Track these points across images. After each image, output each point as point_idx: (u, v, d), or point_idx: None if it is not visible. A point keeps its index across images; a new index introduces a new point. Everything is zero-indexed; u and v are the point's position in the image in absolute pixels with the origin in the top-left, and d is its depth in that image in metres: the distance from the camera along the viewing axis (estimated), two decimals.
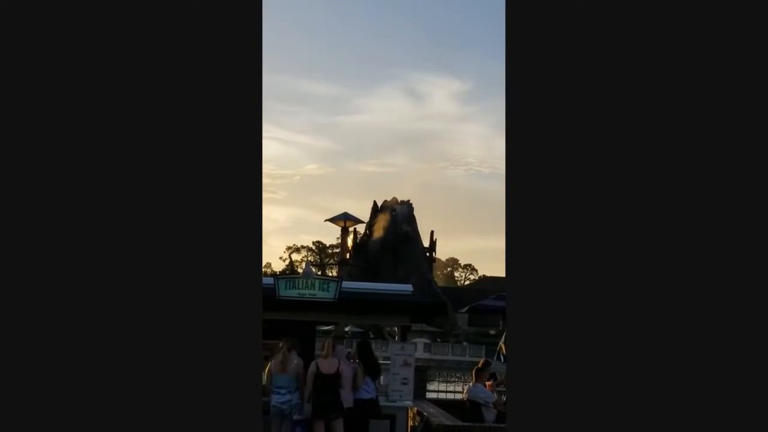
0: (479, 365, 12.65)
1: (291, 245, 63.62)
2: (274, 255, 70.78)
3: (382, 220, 32.28)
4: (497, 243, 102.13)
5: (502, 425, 9.87)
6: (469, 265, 71.34)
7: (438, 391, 16.98)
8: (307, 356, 9.97)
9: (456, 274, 68.14)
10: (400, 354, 10.88)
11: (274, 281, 11.30)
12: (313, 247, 56.26)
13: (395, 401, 10.32)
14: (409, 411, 10.92)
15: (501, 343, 18.27)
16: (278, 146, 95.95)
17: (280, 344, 9.39)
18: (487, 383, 11.30)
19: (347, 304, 11.19)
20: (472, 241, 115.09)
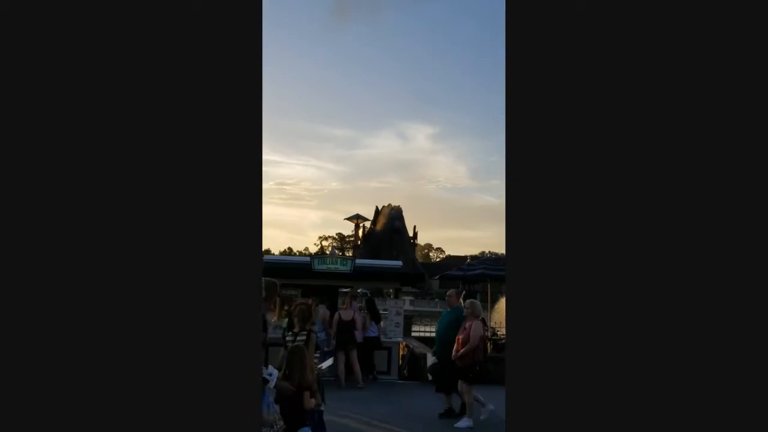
0: None
1: (321, 235, 70.44)
2: (310, 242, 79.00)
3: (382, 219, 34.56)
4: (457, 233, 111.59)
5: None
6: (439, 248, 77.85)
7: (419, 331, 17.73)
8: (333, 308, 10.91)
9: (431, 254, 73.78)
10: (394, 307, 11.83)
11: (311, 259, 12.53)
12: (336, 237, 61.90)
13: (391, 338, 11.18)
14: (400, 344, 11.79)
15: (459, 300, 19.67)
16: (314, 170, 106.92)
17: (309, 301, 9.83)
18: None
19: (359, 274, 12.14)
20: (441, 231, 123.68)
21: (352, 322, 10.03)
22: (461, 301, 7.75)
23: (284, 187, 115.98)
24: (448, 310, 8.04)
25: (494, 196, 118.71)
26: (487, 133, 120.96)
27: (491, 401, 7.18)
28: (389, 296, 12.93)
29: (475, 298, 17.83)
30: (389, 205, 38.31)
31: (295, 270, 12.05)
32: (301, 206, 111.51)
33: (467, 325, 6.90)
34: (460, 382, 6.94)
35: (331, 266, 12.18)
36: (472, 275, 15.42)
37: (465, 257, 46.42)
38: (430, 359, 9.86)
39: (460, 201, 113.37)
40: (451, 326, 7.39)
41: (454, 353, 6.94)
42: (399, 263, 15.17)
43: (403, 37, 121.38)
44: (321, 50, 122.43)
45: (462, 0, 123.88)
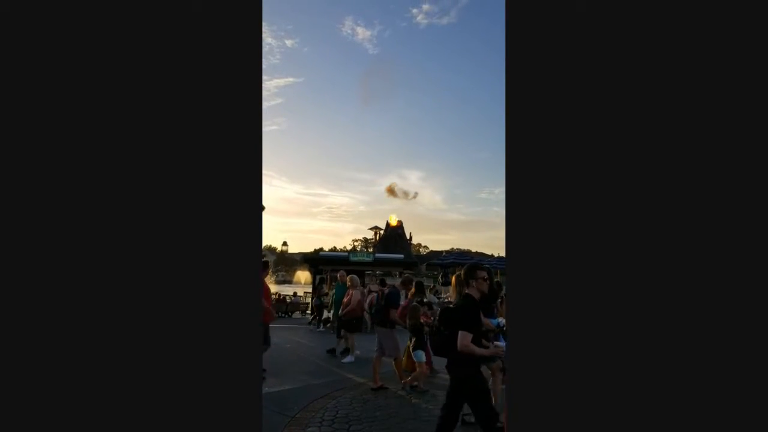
0: (430, 287, 14.89)
1: (354, 239, 77.78)
2: (347, 243, 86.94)
3: (390, 228, 38.36)
4: (435, 236, 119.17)
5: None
6: (425, 246, 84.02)
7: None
8: (363, 285, 12.83)
9: (420, 249, 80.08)
10: (397, 282, 14.28)
11: (348, 254, 14.42)
12: (363, 240, 68.03)
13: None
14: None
15: (439, 277, 21.59)
16: (348, 200, 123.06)
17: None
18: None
19: (377, 263, 13.63)
20: (426, 235, 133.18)
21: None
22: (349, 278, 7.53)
23: (331, 209, 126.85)
24: (340, 284, 8.18)
25: (459, 214, 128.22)
26: (453, 175, 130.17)
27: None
28: (396, 276, 15.14)
29: (448, 278, 19.98)
30: (394, 219, 44.00)
31: (339, 260, 13.79)
32: (342, 221, 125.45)
33: (349, 293, 6.68)
34: (343, 330, 6.83)
35: (360, 258, 14.18)
36: (446, 263, 17.66)
37: (441, 251, 50.70)
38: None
39: (437, 217, 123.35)
40: (341, 295, 7.59)
41: (340, 311, 7.00)
42: (401, 256, 17.17)
43: (404, 114, 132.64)
44: (353, 124, 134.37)
45: (444, 95, 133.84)
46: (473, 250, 60.98)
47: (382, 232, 39.90)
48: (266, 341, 5.24)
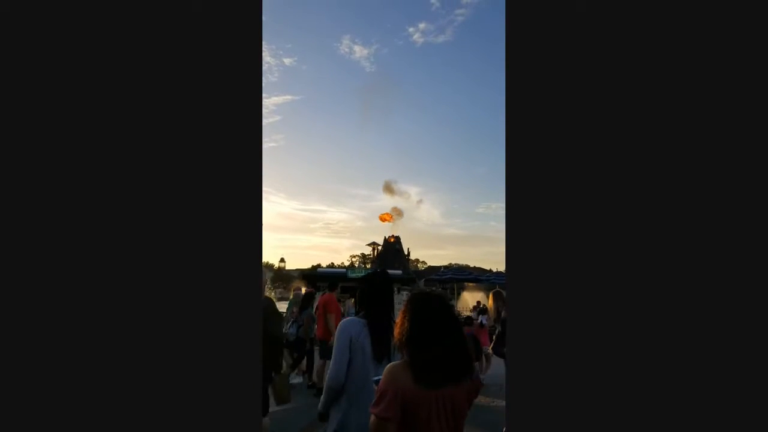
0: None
1: (352, 254, 77.58)
2: (345, 259, 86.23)
3: (387, 243, 38.14)
4: (433, 252, 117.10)
5: None
6: (423, 261, 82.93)
7: None
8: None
9: (418, 265, 78.88)
10: (397, 298, 13.72)
11: (346, 270, 14.38)
12: (360, 256, 67.68)
13: (396, 315, 13.33)
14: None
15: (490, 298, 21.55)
16: (346, 216, 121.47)
17: (347, 297, 11.43)
18: None
19: None
20: (424, 251, 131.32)
21: None
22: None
23: (329, 225, 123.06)
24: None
25: (457, 229, 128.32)
26: (450, 192, 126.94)
27: None
28: (395, 292, 15.13)
29: (446, 293, 19.96)
30: (392, 235, 43.57)
31: (336, 276, 13.80)
32: (339, 237, 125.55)
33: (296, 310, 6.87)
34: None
35: (359, 274, 13.45)
36: (444, 278, 17.98)
37: (439, 267, 50.82)
38: None
39: (435, 232, 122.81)
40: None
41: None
42: (399, 272, 17.43)
43: (401, 130, 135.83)
44: (350, 140, 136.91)
45: (441, 111, 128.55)
46: (471, 265, 60.81)
47: (380, 248, 39.80)
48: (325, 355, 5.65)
